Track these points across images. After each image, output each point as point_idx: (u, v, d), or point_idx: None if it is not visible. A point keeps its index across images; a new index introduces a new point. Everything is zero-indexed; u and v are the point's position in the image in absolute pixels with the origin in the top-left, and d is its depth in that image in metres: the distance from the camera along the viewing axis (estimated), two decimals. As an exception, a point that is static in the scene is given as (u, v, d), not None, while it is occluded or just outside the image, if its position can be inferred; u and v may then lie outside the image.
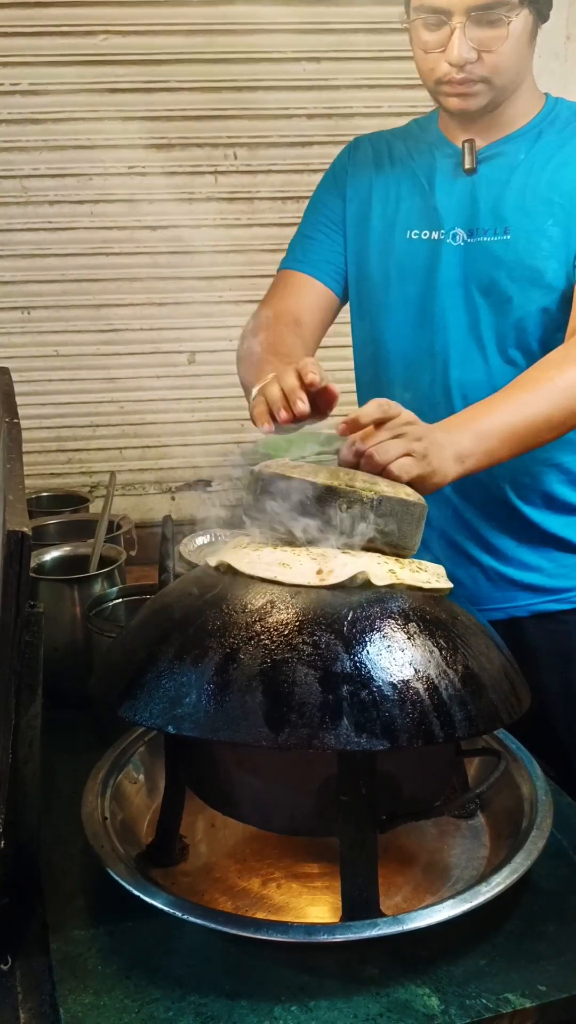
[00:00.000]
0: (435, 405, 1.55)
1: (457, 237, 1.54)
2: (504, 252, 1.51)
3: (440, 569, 1.15)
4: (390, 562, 1.09)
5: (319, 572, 1.05)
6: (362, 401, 1.71)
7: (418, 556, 1.17)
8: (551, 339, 1.52)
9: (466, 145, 1.51)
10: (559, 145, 1.52)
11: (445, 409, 1.53)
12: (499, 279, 1.51)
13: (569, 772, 1.44)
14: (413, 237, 1.58)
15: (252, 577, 1.06)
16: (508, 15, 1.38)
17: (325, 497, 1.08)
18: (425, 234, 1.57)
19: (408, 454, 1.16)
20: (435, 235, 1.56)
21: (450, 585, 1.13)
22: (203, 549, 1.90)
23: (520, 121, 1.54)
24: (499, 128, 1.54)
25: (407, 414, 1.19)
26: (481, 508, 1.61)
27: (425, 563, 1.15)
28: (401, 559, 1.12)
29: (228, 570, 1.09)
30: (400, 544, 1.12)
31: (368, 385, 1.70)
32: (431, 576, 1.12)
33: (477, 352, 1.55)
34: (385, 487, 1.11)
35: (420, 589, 1.08)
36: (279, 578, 1.04)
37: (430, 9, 1.40)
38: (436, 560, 1.58)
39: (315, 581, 1.04)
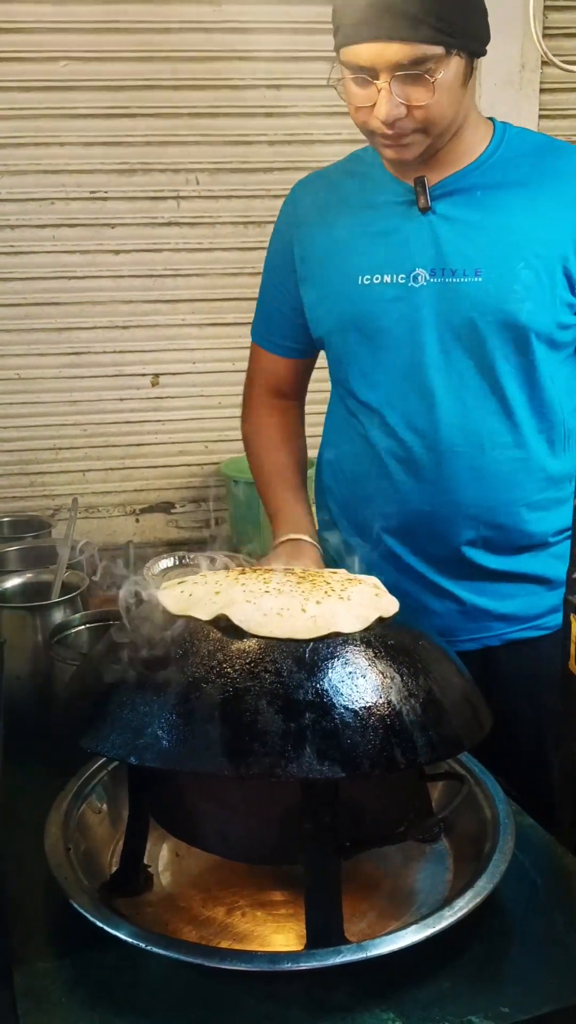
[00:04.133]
0: (409, 450, 1.54)
1: (419, 278, 1.48)
2: (477, 294, 1.46)
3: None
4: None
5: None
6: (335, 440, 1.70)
7: (391, 590, 1.18)
8: (536, 384, 1.51)
9: (418, 183, 1.47)
10: (520, 183, 1.48)
11: (420, 456, 1.53)
12: (472, 320, 1.47)
13: (539, 797, 1.44)
14: (365, 283, 1.51)
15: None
16: (435, 69, 1.34)
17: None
18: (377, 278, 1.51)
19: None
20: (390, 278, 1.50)
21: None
22: (167, 573, 1.89)
23: (471, 154, 1.50)
24: (450, 163, 1.49)
25: None
26: (453, 552, 1.59)
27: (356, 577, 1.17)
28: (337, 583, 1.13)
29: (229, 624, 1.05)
30: None
31: (344, 430, 1.66)
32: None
33: (448, 396, 1.51)
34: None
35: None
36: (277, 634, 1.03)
37: (355, 68, 1.36)
38: (406, 594, 1.59)
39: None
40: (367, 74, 1.36)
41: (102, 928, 1.01)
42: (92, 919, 1.02)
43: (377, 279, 1.51)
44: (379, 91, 1.36)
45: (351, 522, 1.64)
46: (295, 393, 1.79)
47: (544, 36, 2.74)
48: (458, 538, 1.57)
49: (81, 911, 1.03)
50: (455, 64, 1.37)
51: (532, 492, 1.56)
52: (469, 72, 1.42)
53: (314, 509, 1.80)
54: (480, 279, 1.46)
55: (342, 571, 1.24)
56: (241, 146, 2.91)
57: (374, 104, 1.37)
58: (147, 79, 2.81)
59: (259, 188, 2.91)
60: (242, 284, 2.96)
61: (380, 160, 1.55)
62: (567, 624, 1.40)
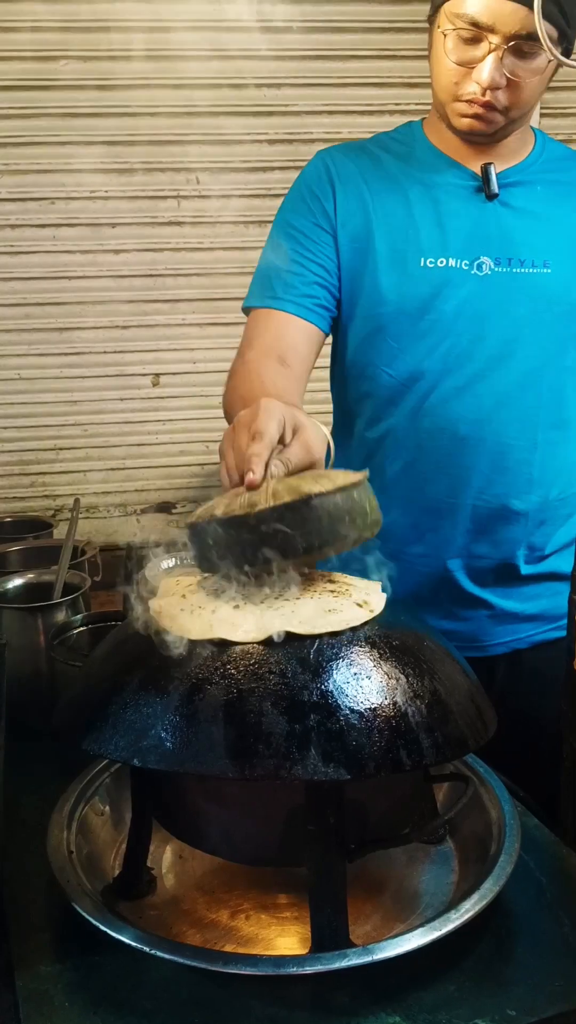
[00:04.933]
0: (462, 440, 1.51)
1: (483, 266, 1.45)
2: (546, 285, 1.45)
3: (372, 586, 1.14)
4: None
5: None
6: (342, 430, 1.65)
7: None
8: None
9: (485, 170, 1.45)
10: (570, 180, 1.48)
11: (472, 448, 1.50)
12: (539, 311, 1.46)
13: (558, 789, 1.43)
14: (429, 265, 1.46)
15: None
16: (545, 51, 1.29)
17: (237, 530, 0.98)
18: (442, 262, 1.46)
19: None
20: (455, 262, 1.46)
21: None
22: (169, 573, 1.89)
23: (523, 151, 1.49)
24: (508, 156, 1.47)
25: None
26: (490, 549, 1.57)
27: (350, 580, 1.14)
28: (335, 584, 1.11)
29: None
30: (339, 542, 1.02)
31: (360, 414, 1.59)
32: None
33: (506, 386, 1.49)
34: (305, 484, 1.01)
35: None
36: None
37: (471, 21, 1.31)
38: (434, 600, 1.57)
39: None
40: (483, 31, 1.31)
41: (105, 932, 1.01)
42: (95, 922, 1.02)
43: (442, 263, 1.46)
44: (490, 51, 1.32)
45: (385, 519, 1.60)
46: (301, 366, 1.51)
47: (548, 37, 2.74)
48: (504, 536, 1.54)
49: (84, 914, 1.03)
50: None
51: (571, 486, 1.55)
52: (553, 74, 1.41)
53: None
54: (549, 271, 1.45)
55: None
56: (242, 145, 2.91)
57: (473, 67, 1.34)
58: (147, 78, 2.80)
59: (260, 187, 2.90)
60: (243, 283, 2.93)
61: (423, 141, 1.52)
62: (572, 623, 1.40)
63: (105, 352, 3.03)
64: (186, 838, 1.13)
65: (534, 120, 3.04)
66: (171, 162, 2.90)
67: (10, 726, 1.25)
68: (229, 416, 1.44)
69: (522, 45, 1.31)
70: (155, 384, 3.10)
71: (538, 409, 1.49)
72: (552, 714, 1.60)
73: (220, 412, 3.27)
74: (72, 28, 2.74)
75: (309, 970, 0.96)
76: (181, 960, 0.97)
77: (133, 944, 0.99)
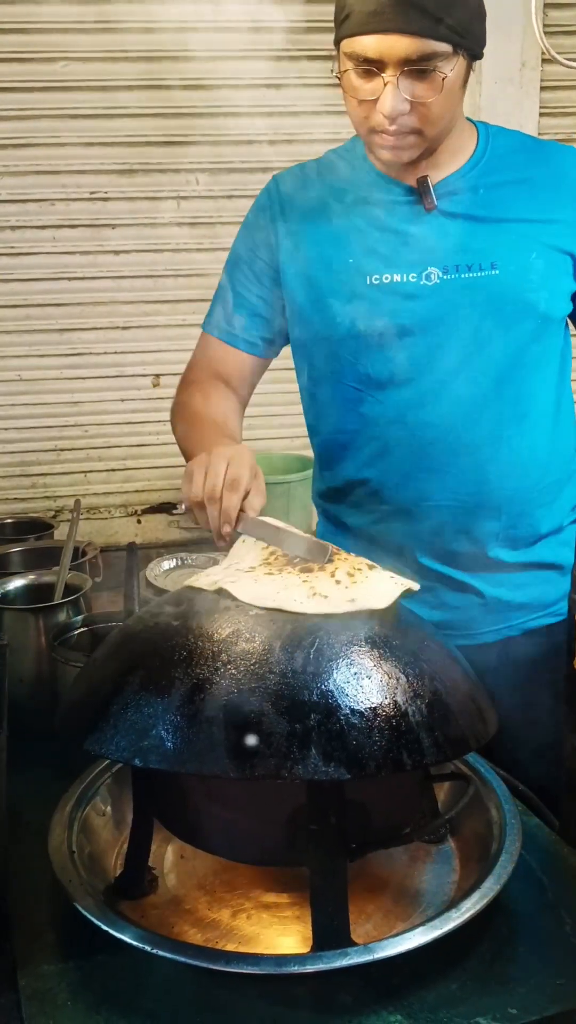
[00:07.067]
0: (428, 446, 1.54)
1: (432, 276, 1.48)
2: (496, 286, 1.47)
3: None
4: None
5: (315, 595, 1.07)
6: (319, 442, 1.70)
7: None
8: (544, 368, 1.53)
9: (421, 183, 1.48)
10: (518, 180, 1.50)
11: (442, 450, 1.53)
12: (492, 312, 1.48)
13: (555, 781, 1.43)
14: (375, 282, 1.50)
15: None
16: (442, 67, 1.34)
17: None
18: (387, 277, 1.50)
19: None
20: (401, 277, 1.49)
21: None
22: (170, 573, 1.89)
23: (464, 153, 1.51)
24: (445, 163, 1.50)
25: None
26: (476, 546, 1.60)
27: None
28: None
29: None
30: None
31: (327, 420, 1.64)
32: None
33: (469, 388, 1.51)
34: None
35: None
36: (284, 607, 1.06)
37: (362, 59, 1.35)
38: (429, 589, 1.60)
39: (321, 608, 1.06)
40: (374, 66, 1.34)
41: (107, 931, 1.01)
42: (97, 922, 1.02)
43: (387, 278, 1.50)
44: (385, 85, 1.35)
45: (361, 527, 1.63)
46: (244, 391, 1.67)
47: (544, 34, 2.74)
48: (483, 531, 1.57)
49: (86, 914, 1.03)
50: (459, 65, 1.37)
51: (544, 475, 1.58)
52: (467, 75, 1.42)
53: (314, 517, 1.79)
54: (497, 271, 1.47)
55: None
56: (242, 146, 2.91)
57: (377, 99, 1.36)
58: (147, 79, 2.80)
59: (260, 188, 2.90)
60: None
61: (363, 159, 1.55)
62: (572, 623, 1.40)
63: (105, 353, 3.04)
64: (187, 838, 1.14)
65: (532, 121, 3.05)
66: (171, 163, 2.90)
67: (11, 727, 1.25)
68: (177, 425, 1.63)
69: (417, 68, 1.34)
70: (155, 385, 3.10)
71: (501, 408, 1.52)
72: (547, 700, 1.61)
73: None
74: (72, 29, 2.74)
75: (311, 969, 0.97)
76: (183, 959, 0.98)
77: (135, 943, 0.99)
